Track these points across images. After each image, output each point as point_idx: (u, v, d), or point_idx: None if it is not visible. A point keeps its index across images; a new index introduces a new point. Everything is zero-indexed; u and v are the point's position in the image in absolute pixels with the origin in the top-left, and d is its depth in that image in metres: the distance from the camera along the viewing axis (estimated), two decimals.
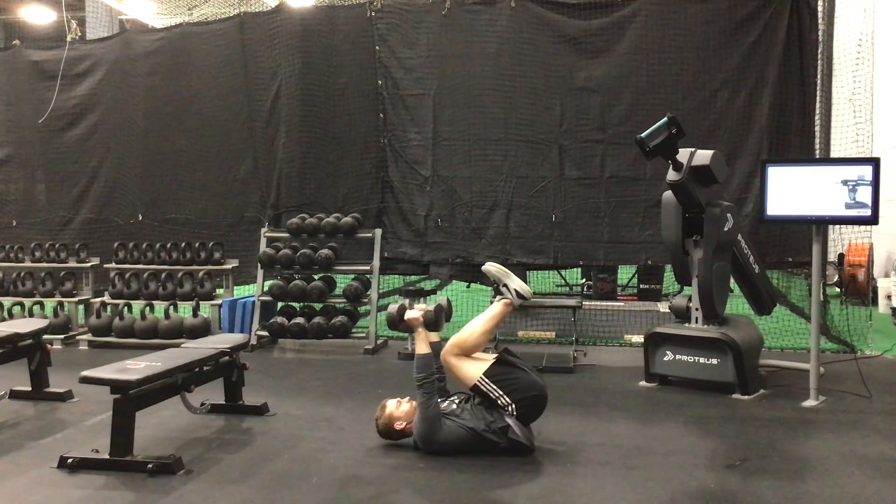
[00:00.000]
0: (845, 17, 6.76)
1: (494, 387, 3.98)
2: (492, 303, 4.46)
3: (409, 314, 4.23)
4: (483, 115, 7.19)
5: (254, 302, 7.22)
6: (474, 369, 4.03)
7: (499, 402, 3.96)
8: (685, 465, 3.86)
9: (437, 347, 4.27)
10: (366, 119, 7.51)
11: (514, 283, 4.20)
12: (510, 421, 3.94)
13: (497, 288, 4.26)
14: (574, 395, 5.24)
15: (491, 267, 4.27)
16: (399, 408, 4.13)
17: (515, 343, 7.13)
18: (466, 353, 4.10)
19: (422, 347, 4.12)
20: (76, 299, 7.58)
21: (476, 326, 4.17)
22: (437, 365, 4.17)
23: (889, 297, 8.49)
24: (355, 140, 7.55)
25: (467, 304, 7.74)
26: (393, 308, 4.33)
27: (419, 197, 7.41)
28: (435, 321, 4.22)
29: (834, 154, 6.74)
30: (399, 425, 4.09)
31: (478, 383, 3.99)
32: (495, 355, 4.14)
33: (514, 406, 3.96)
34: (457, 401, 4.13)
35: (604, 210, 6.99)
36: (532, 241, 7.16)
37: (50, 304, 7.59)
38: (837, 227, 7.01)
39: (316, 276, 7.21)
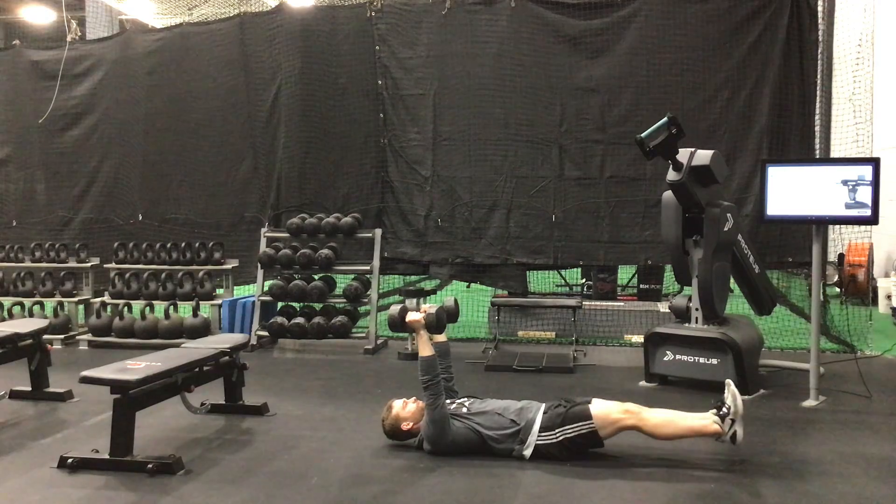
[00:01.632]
0: (845, 17, 6.75)
1: (578, 435, 3.82)
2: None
3: (410, 316, 4.17)
4: (483, 115, 7.19)
5: (254, 302, 7.22)
6: (607, 428, 3.84)
7: (555, 429, 3.84)
8: (685, 465, 3.86)
9: (442, 347, 4.26)
10: (366, 119, 7.51)
11: (741, 429, 3.82)
12: (531, 440, 3.86)
13: (724, 413, 3.83)
14: (574, 396, 5.22)
15: (739, 398, 3.86)
16: (405, 408, 4.12)
17: (515, 343, 7.14)
18: (635, 429, 3.86)
19: (424, 349, 4.06)
20: (76, 299, 7.58)
21: (675, 428, 3.89)
22: (443, 365, 4.15)
23: (889, 297, 8.49)
24: (355, 140, 7.55)
25: (467, 304, 7.73)
26: (394, 309, 4.27)
27: (419, 197, 7.41)
28: (437, 323, 4.18)
29: (834, 154, 6.74)
30: (406, 426, 4.08)
31: (591, 424, 3.82)
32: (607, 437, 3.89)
33: (554, 442, 3.84)
34: (467, 403, 4.11)
35: (604, 210, 6.99)
36: (532, 241, 7.16)
37: (50, 304, 7.59)
38: (837, 227, 7.00)
39: (316, 276, 7.21)
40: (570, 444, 3.85)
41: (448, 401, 4.07)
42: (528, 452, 3.87)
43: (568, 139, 7.05)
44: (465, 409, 4.04)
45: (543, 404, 4.01)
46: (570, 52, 7.02)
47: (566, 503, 3.41)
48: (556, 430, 3.86)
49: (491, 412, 4.00)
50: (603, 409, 3.89)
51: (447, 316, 4.28)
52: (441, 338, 4.33)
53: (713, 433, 3.84)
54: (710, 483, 3.60)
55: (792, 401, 4.99)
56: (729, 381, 4.01)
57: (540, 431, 3.88)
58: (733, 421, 3.81)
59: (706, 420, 3.87)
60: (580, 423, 3.84)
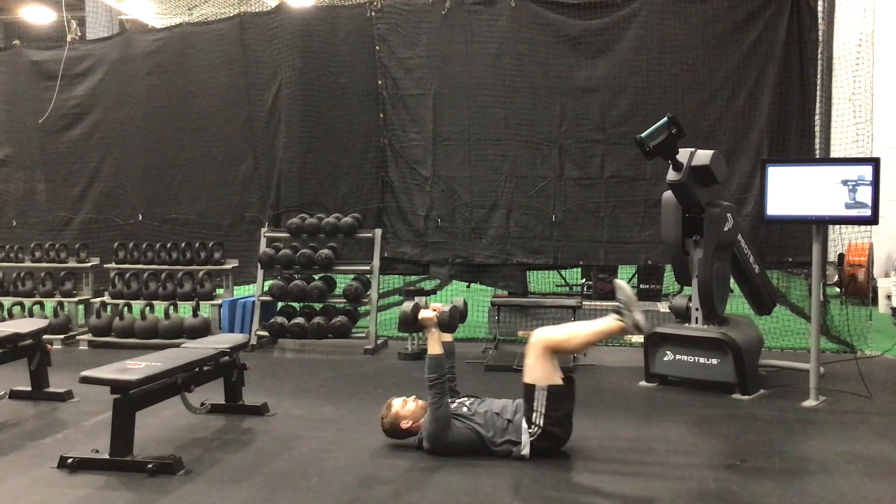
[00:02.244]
0: (845, 17, 6.75)
1: (544, 402, 3.86)
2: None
3: (423, 314, 4.17)
4: (483, 115, 7.19)
5: (254, 302, 7.22)
6: (547, 374, 3.90)
7: (532, 415, 3.87)
8: (685, 464, 3.86)
9: (448, 348, 4.26)
10: (366, 119, 7.51)
11: (639, 314, 3.95)
12: (525, 439, 3.87)
13: (619, 308, 3.98)
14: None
15: (626, 287, 4.02)
16: (405, 407, 4.12)
17: (515, 343, 7.14)
18: (557, 352, 3.98)
19: (434, 348, 4.06)
20: (76, 299, 7.58)
21: (580, 334, 4.06)
22: (448, 365, 4.16)
23: (889, 297, 8.49)
24: (355, 140, 7.55)
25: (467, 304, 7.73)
26: (407, 307, 4.25)
27: (419, 197, 7.41)
28: (450, 322, 4.18)
29: (834, 154, 6.74)
30: (405, 424, 4.08)
31: (537, 387, 3.87)
32: (564, 376, 3.97)
33: (540, 431, 3.86)
34: (467, 402, 4.11)
35: (604, 210, 6.99)
36: (532, 241, 7.16)
37: (50, 304, 7.59)
38: (837, 227, 7.01)
39: (316, 276, 7.21)
40: (552, 418, 3.85)
41: (449, 400, 4.06)
42: (525, 452, 3.88)
43: (568, 139, 7.05)
44: (465, 409, 4.04)
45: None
46: (570, 52, 7.02)
47: (566, 503, 3.41)
48: (532, 418, 3.88)
49: (490, 413, 4.00)
50: (528, 369, 3.95)
51: (458, 315, 4.29)
52: (447, 338, 4.32)
53: (619, 329, 3.99)
54: (710, 483, 3.60)
55: (792, 401, 4.99)
56: (615, 280, 4.19)
57: (527, 428, 3.89)
58: (630, 311, 3.93)
59: (608, 321, 4.01)
60: (534, 397, 3.87)
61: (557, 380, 3.91)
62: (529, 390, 3.90)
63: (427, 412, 4.02)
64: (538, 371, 3.91)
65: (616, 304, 3.98)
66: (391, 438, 4.15)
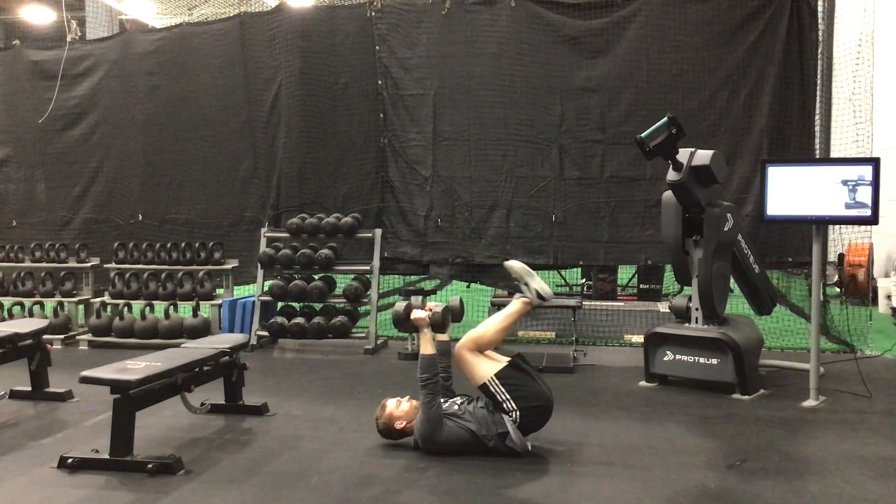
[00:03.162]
0: (845, 17, 6.75)
1: (503, 389, 3.95)
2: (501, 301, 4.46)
3: (415, 314, 4.19)
4: (483, 115, 7.19)
5: (254, 302, 7.22)
6: (487, 368, 4.01)
7: (504, 405, 3.93)
8: (685, 465, 3.86)
9: (443, 347, 4.26)
10: (366, 119, 7.51)
11: (536, 283, 4.15)
12: (510, 427, 3.91)
13: (518, 286, 4.21)
14: (574, 395, 5.24)
15: (514, 264, 4.22)
16: (399, 407, 4.13)
17: (515, 343, 7.14)
18: (481, 349, 4.08)
19: (427, 348, 4.09)
20: (76, 299, 7.58)
21: (493, 324, 4.17)
22: (441, 365, 4.16)
23: (889, 297, 8.49)
24: (355, 140, 7.55)
25: (467, 304, 7.71)
26: (399, 307, 4.28)
27: (419, 197, 7.41)
28: (442, 322, 4.19)
29: (834, 154, 6.74)
30: (399, 424, 4.09)
31: (487, 383, 3.97)
32: (509, 358, 4.10)
33: (518, 413, 3.92)
34: (459, 402, 4.11)
35: (604, 210, 6.99)
36: (532, 241, 7.16)
37: (50, 304, 7.59)
38: (837, 227, 7.01)
39: (316, 276, 7.21)
40: (518, 396, 3.93)
41: (442, 399, 4.07)
42: (517, 437, 3.91)
43: (568, 139, 7.05)
44: (457, 408, 4.06)
45: None
46: (570, 53, 7.02)
47: (566, 503, 3.41)
48: (505, 407, 3.93)
49: (477, 409, 4.02)
50: (469, 376, 4.04)
51: (452, 316, 4.30)
52: (443, 337, 4.32)
53: (525, 305, 4.18)
54: (710, 483, 3.60)
55: (792, 401, 4.99)
56: (504, 263, 4.32)
57: (509, 417, 3.93)
58: (527, 285, 4.13)
59: (513, 304, 4.20)
60: (490, 392, 3.96)
61: (500, 366, 4.02)
62: (485, 390, 4.00)
63: (419, 412, 4.03)
64: (477, 370, 4.02)
65: (514, 283, 4.16)
66: (386, 439, 4.16)
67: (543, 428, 4.16)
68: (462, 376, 4.12)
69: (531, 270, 4.20)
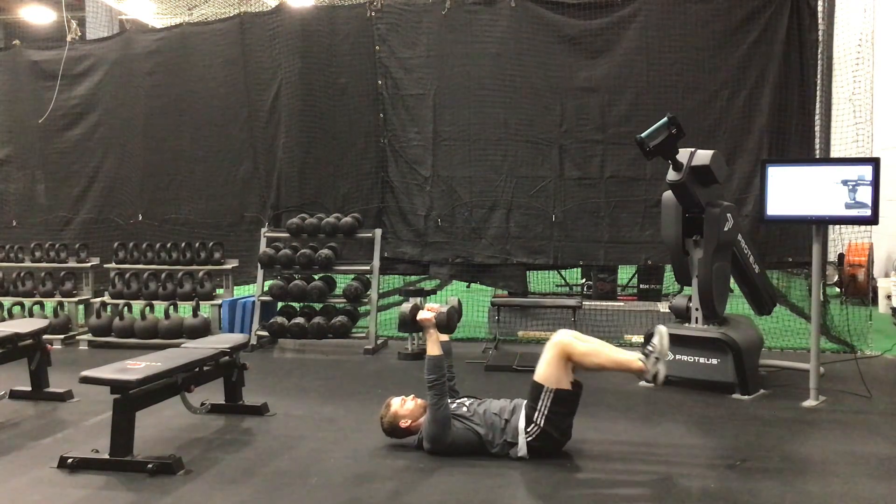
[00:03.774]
0: (845, 17, 6.75)
1: (548, 405, 3.85)
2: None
3: (421, 315, 4.16)
4: (483, 115, 7.19)
5: (254, 302, 7.21)
6: (558, 377, 3.87)
7: (535, 415, 3.86)
8: (685, 465, 3.86)
9: (447, 348, 4.26)
10: (366, 119, 7.51)
11: (662, 368, 3.87)
12: (521, 440, 3.87)
13: (649, 353, 3.89)
14: None
15: (666, 339, 3.91)
16: (404, 406, 4.12)
17: (515, 343, 7.14)
18: (572, 360, 3.91)
19: (433, 349, 4.06)
20: (76, 299, 7.57)
21: (602, 357, 3.94)
22: (448, 365, 4.15)
23: (889, 297, 8.49)
24: (355, 140, 7.55)
25: (467, 304, 7.70)
26: (405, 307, 4.26)
27: (419, 197, 7.41)
28: (448, 322, 4.18)
29: (834, 154, 6.74)
30: (404, 423, 4.08)
31: (546, 388, 3.86)
32: (574, 381, 3.94)
33: (538, 431, 3.86)
34: (467, 403, 4.11)
35: (604, 210, 6.99)
36: (532, 241, 7.16)
37: (50, 304, 7.59)
38: (837, 227, 7.01)
39: (316, 276, 7.21)
40: (553, 420, 3.84)
41: (449, 400, 4.06)
42: (523, 453, 3.88)
43: (568, 139, 7.05)
44: (464, 409, 4.04)
45: (525, 400, 4.01)
46: (570, 53, 7.02)
47: (566, 503, 3.41)
48: (535, 418, 3.86)
49: (489, 413, 4.00)
50: (542, 368, 3.92)
51: (456, 316, 4.29)
52: (443, 337, 4.32)
53: (637, 370, 3.91)
54: (710, 483, 3.60)
55: (792, 401, 4.99)
56: (659, 326, 4.04)
57: (525, 428, 3.88)
58: (658, 360, 3.87)
59: (632, 356, 3.94)
60: (541, 397, 3.86)
61: (566, 385, 3.89)
62: (537, 389, 3.90)
63: (426, 413, 4.02)
64: (550, 372, 3.89)
65: (649, 346, 3.89)
66: (390, 438, 4.15)
67: None
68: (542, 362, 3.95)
69: (669, 351, 3.94)
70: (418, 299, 4.38)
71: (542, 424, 3.85)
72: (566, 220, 7.08)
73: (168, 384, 4.16)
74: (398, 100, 7.43)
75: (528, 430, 3.87)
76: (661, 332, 3.92)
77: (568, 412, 3.91)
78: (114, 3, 13.70)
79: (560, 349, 3.90)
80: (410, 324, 4.23)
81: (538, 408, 3.86)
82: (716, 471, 3.77)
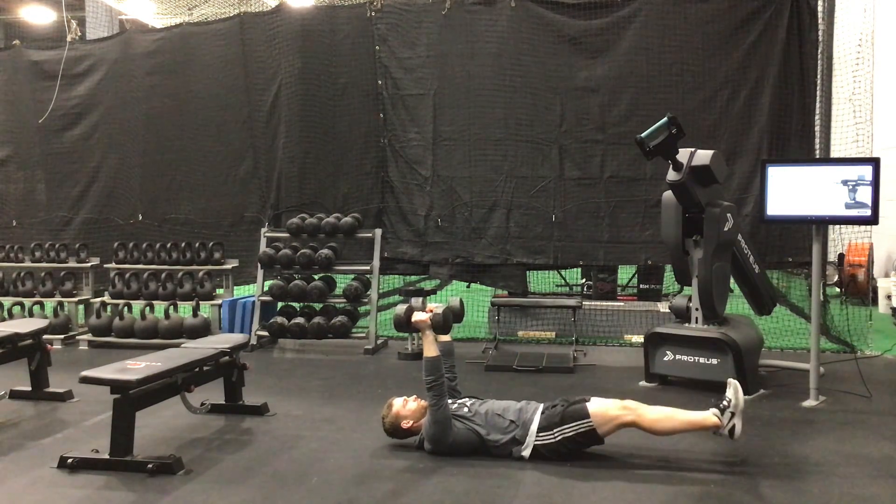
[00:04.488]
0: (845, 17, 6.75)
1: (577, 432, 3.81)
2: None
3: (416, 316, 4.14)
4: (483, 115, 7.19)
5: (254, 302, 7.21)
6: (605, 425, 3.83)
7: (555, 428, 3.84)
8: (685, 465, 3.86)
9: (446, 347, 4.25)
10: (366, 119, 7.51)
11: (739, 423, 3.81)
12: (530, 440, 3.86)
13: (724, 407, 3.82)
14: (574, 396, 5.23)
15: (741, 393, 3.86)
16: (406, 406, 4.12)
17: (515, 343, 7.15)
18: (633, 426, 3.85)
19: (430, 350, 4.04)
20: (76, 299, 7.58)
21: (672, 423, 3.89)
22: (447, 365, 4.15)
23: (889, 297, 8.49)
24: (355, 140, 7.55)
25: (467, 304, 7.69)
26: (400, 309, 4.23)
27: (419, 197, 7.41)
28: (443, 323, 4.16)
29: (834, 154, 6.74)
30: (406, 424, 4.08)
31: (590, 422, 3.81)
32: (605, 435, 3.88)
33: (551, 441, 3.84)
34: (469, 403, 4.10)
35: (604, 210, 7.00)
36: (532, 241, 7.16)
37: (50, 304, 7.59)
38: (837, 227, 7.00)
39: (316, 276, 7.21)
40: (568, 444, 3.85)
41: (450, 401, 4.06)
42: (526, 453, 3.87)
43: (568, 139, 7.05)
44: (466, 410, 4.04)
45: (542, 404, 4.01)
46: (570, 52, 7.02)
47: (566, 503, 3.41)
48: (555, 430, 3.85)
49: (491, 413, 3.99)
50: (601, 407, 3.88)
51: (453, 316, 4.27)
52: (445, 337, 4.31)
53: (712, 426, 3.84)
54: (710, 483, 3.60)
55: (792, 401, 4.99)
56: (732, 380, 3.99)
57: (538, 432, 3.88)
58: (733, 414, 3.81)
59: (706, 415, 3.87)
60: (578, 422, 3.84)
61: (602, 433, 3.86)
62: (582, 415, 3.84)
63: (427, 414, 4.02)
64: (603, 416, 3.83)
65: (723, 402, 3.84)
66: (392, 438, 4.15)
67: None
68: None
69: (743, 406, 3.88)
70: (419, 299, 4.35)
71: (558, 439, 3.84)
72: (566, 220, 7.08)
73: (168, 384, 4.16)
74: (398, 100, 7.43)
75: (542, 435, 3.87)
76: (735, 387, 3.87)
77: (580, 448, 3.89)
78: (114, 3, 13.71)
79: (629, 418, 3.82)
80: (406, 325, 4.21)
81: (566, 426, 3.84)
82: (716, 471, 3.77)
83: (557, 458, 3.86)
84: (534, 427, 3.89)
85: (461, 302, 4.43)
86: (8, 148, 8.63)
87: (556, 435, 3.85)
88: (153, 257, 7.50)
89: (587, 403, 3.91)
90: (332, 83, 7.56)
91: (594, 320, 7.21)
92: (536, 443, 3.86)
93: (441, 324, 4.14)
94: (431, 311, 4.18)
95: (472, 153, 7.24)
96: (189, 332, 6.89)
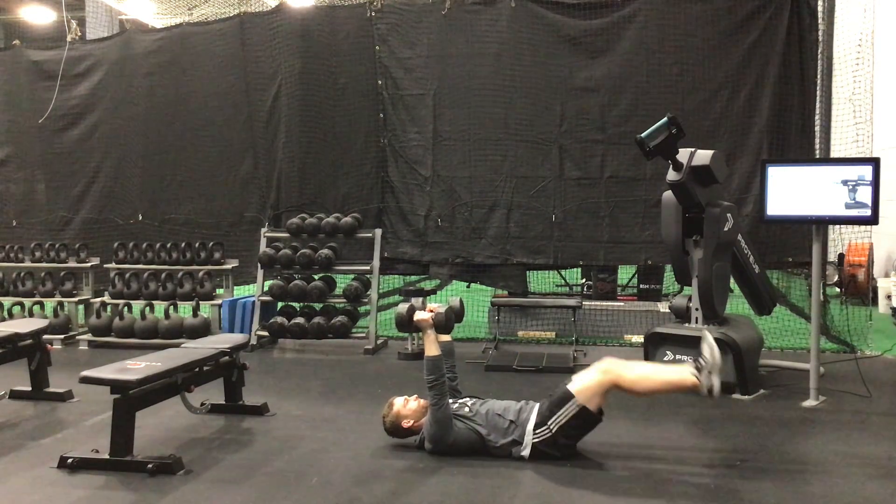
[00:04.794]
0: (845, 17, 6.75)
1: (568, 417, 3.81)
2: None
3: (418, 315, 4.15)
4: (483, 115, 7.19)
5: (254, 302, 7.22)
6: (591, 397, 3.83)
7: (548, 421, 3.84)
8: (685, 465, 3.86)
9: (447, 347, 4.26)
10: (366, 119, 7.51)
11: (717, 380, 3.79)
12: (528, 440, 3.86)
13: (700, 365, 3.81)
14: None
15: (715, 348, 3.83)
16: (406, 406, 4.12)
17: (515, 343, 7.14)
18: (621, 389, 3.87)
19: (431, 349, 4.04)
20: (76, 299, 7.58)
21: (652, 382, 3.94)
22: (447, 365, 4.15)
23: (889, 297, 8.49)
24: (355, 140, 7.55)
25: (467, 304, 7.69)
26: (402, 308, 4.24)
27: (419, 197, 7.41)
28: (445, 323, 4.17)
29: (834, 154, 6.74)
30: (406, 423, 4.08)
31: (575, 400, 3.81)
32: (601, 407, 3.88)
33: (548, 435, 3.83)
34: (469, 403, 4.10)
35: (604, 210, 6.99)
36: (532, 241, 7.16)
37: (50, 304, 7.59)
38: (837, 227, 7.01)
39: (316, 276, 7.21)
40: (565, 431, 3.83)
41: (451, 400, 4.06)
42: (525, 453, 3.87)
43: (568, 139, 7.05)
44: (466, 410, 4.04)
45: (538, 403, 4.01)
46: (570, 52, 7.02)
47: (566, 503, 3.41)
48: (549, 422, 3.85)
49: (491, 413, 3.99)
50: (581, 383, 3.88)
51: (454, 316, 4.29)
52: (446, 337, 4.32)
53: (691, 386, 3.84)
54: (710, 483, 3.60)
55: (792, 401, 4.99)
56: (705, 333, 3.99)
57: (534, 429, 3.87)
58: (710, 373, 3.80)
59: (684, 374, 3.89)
60: (566, 406, 3.83)
61: (594, 407, 3.86)
62: (566, 397, 3.86)
63: (428, 413, 4.02)
64: (586, 390, 3.84)
65: (699, 360, 3.84)
66: (392, 437, 4.15)
67: None
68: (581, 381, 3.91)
69: (720, 364, 3.85)
70: (420, 299, 4.35)
71: (553, 430, 3.84)
72: (566, 220, 7.08)
73: (168, 384, 4.16)
74: (398, 100, 7.43)
75: (538, 432, 3.87)
76: (710, 344, 3.86)
77: (580, 433, 3.89)
78: (114, 3, 13.71)
79: (609, 378, 3.85)
80: (407, 325, 4.22)
81: (557, 414, 3.84)
82: (716, 471, 3.77)
83: (559, 453, 3.86)
84: (530, 426, 3.89)
85: (461, 302, 4.43)
86: (8, 148, 8.63)
87: (551, 427, 3.84)
88: (153, 257, 7.50)
89: (568, 385, 3.91)
90: (332, 83, 7.56)
91: (594, 320, 7.21)
92: (535, 441, 3.86)
93: (443, 323, 4.15)
94: (433, 310, 4.18)
95: (472, 153, 7.24)
96: (189, 332, 6.89)
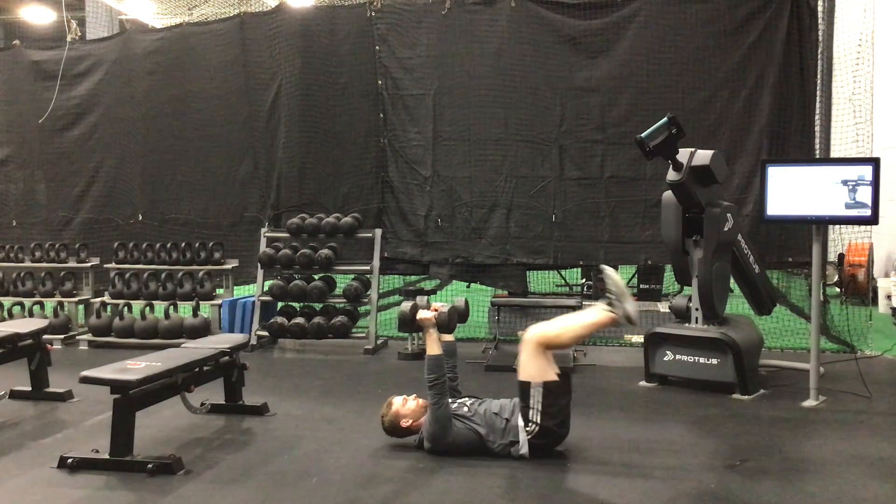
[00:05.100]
0: (845, 17, 6.75)
1: (540, 399, 3.84)
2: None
3: (421, 314, 4.15)
4: (483, 115, 7.19)
5: (254, 302, 7.22)
6: (543, 370, 3.88)
7: (530, 413, 3.86)
8: (685, 465, 3.86)
9: (449, 347, 4.26)
10: (366, 119, 7.51)
11: (630, 305, 3.89)
12: (523, 438, 3.86)
13: (609, 299, 3.93)
14: (574, 395, 5.17)
15: (614, 275, 3.95)
16: (405, 405, 4.12)
17: (516, 343, 7.13)
18: (549, 348, 3.94)
19: (433, 348, 4.05)
20: (76, 299, 7.58)
21: (571, 328, 4.01)
22: (448, 365, 4.15)
23: (889, 297, 8.49)
24: (355, 140, 7.55)
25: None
26: (405, 307, 4.25)
27: (419, 197, 7.41)
28: (448, 322, 4.17)
29: (834, 154, 6.74)
30: (405, 423, 4.08)
31: (532, 385, 3.86)
32: (559, 371, 3.94)
33: (537, 429, 3.85)
34: (468, 403, 4.11)
35: (604, 210, 6.99)
36: (532, 241, 7.16)
37: (50, 304, 7.59)
38: (837, 227, 7.01)
39: (316, 276, 7.21)
40: (549, 413, 3.84)
41: (450, 400, 4.06)
42: (524, 451, 3.88)
43: (568, 139, 7.05)
44: (465, 409, 4.04)
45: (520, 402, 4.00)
46: (570, 52, 7.02)
47: (566, 503, 3.41)
48: (530, 417, 3.87)
49: (489, 413, 4.00)
50: (523, 367, 3.94)
51: (458, 316, 4.29)
52: (448, 337, 4.32)
53: (610, 321, 3.94)
54: (710, 483, 3.60)
55: (792, 401, 4.99)
56: (602, 267, 4.15)
57: (525, 426, 3.88)
58: (621, 302, 3.88)
59: (598, 312, 3.97)
60: (531, 395, 3.86)
61: (552, 375, 3.90)
62: (525, 388, 3.90)
63: (427, 412, 4.02)
64: (532, 368, 3.91)
65: (606, 294, 3.96)
66: (391, 437, 4.16)
67: None
68: (517, 362, 4.00)
69: (627, 290, 3.96)
70: (424, 298, 4.36)
71: (539, 422, 3.85)
72: (566, 220, 7.08)
73: (168, 384, 4.16)
74: (398, 100, 7.42)
75: (528, 429, 3.87)
76: (608, 274, 3.97)
77: (562, 403, 3.91)
78: (114, 3, 13.71)
79: (534, 343, 3.93)
80: (410, 323, 4.22)
81: (531, 406, 3.87)
82: (716, 471, 3.77)
83: (557, 434, 3.88)
84: (521, 423, 3.90)
85: (466, 303, 4.44)
86: (8, 148, 8.63)
87: (535, 420, 3.86)
88: (153, 257, 7.50)
89: (518, 378, 3.95)
90: (332, 83, 7.56)
91: None
92: (530, 438, 3.87)
93: (445, 322, 4.16)
94: (436, 309, 4.19)
95: (472, 153, 7.24)
96: (189, 332, 6.89)
